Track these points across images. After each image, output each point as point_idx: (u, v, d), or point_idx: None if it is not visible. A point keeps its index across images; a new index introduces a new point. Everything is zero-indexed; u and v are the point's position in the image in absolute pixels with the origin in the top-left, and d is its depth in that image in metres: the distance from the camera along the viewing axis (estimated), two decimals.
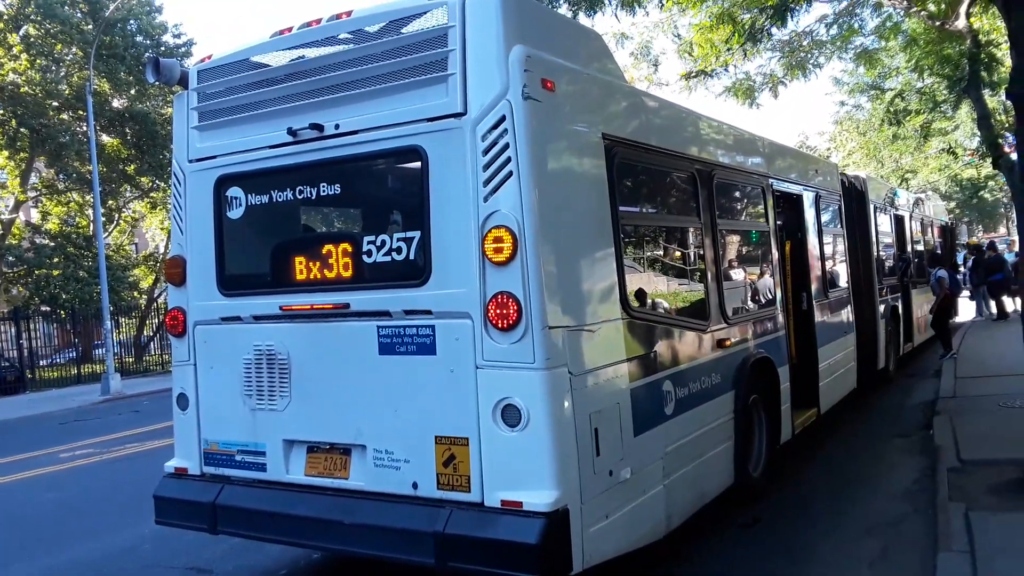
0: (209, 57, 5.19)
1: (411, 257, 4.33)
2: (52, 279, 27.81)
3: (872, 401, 10.40)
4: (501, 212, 3.99)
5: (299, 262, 4.76)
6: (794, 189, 8.13)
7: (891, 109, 19.55)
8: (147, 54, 26.41)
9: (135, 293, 33.95)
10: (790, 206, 8.15)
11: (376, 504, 4.37)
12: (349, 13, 4.61)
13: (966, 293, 21.08)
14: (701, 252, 5.92)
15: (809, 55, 15.05)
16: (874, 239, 10.92)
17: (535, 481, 3.95)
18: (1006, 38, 8.08)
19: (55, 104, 27.73)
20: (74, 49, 27.93)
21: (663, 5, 11.72)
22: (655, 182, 5.76)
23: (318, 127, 4.56)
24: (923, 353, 14.30)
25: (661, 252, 5.77)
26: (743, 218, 7.37)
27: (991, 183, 42.66)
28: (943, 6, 12.98)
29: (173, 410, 5.29)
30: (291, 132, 4.65)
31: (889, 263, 12.07)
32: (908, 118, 19.70)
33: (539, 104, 4.08)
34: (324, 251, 4.68)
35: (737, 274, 6.77)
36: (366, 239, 4.53)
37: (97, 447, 11.88)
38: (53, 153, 27.70)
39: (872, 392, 10.64)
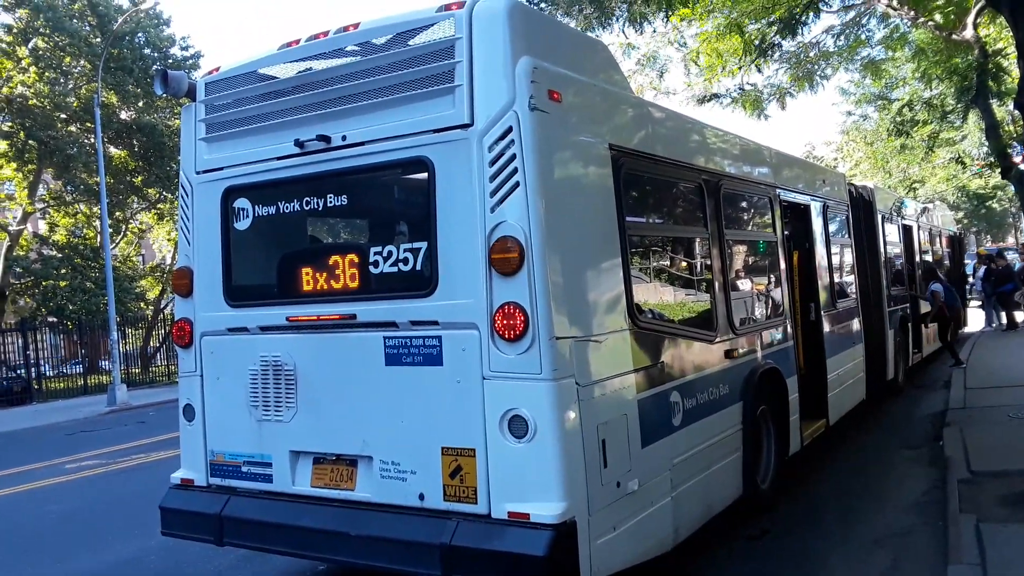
0: (217, 69, 5.21)
1: (418, 268, 4.33)
2: (59, 290, 27.92)
3: (881, 412, 10.34)
4: (508, 223, 3.98)
5: (306, 273, 4.76)
6: (801, 199, 8.11)
7: (898, 119, 19.55)
8: (155, 66, 26.59)
9: (142, 304, 34.08)
10: (797, 216, 8.13)
11: (382, 515, 4.34)
12: (356, 25, 4.62)
13: (976, 303, 20.99)
14: (708, 262, 5.90)
15: (816, 66, 15.06)
16: (882, 249, 10.88)
17: (542, 493, 3.93)
18: (1014, 48, 8.07)
19: (63, 116, 27.90)
20: (82, 62, 28.11)
21: (668, 18, 11.75)
22: (662, 192, 5.75)
23: (325, 139, 4.57)
24: (932, 363, 14.22)
25: (668, 262, 5.75)
26: (750, 228, 7.35)
27: (1000, 193, 42.58)
28: (951, 16, 12.98)
29: (179, 421, 5.29)
30: (298, 144, 4.66)
31: (897, 273, 12.02)
32: (916, 128, 19.69)
33: (546, 115, 4.08)
34: (331, 262, 4.67)
35: (745, 284, 6.75)
36: (373, 250, 4.53)
37: (103, 458, 11.88)
38: (61, 165, 27.85)
39: (881, 403, 10.58)
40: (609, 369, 4.38)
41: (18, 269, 29.41)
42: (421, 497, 4.26)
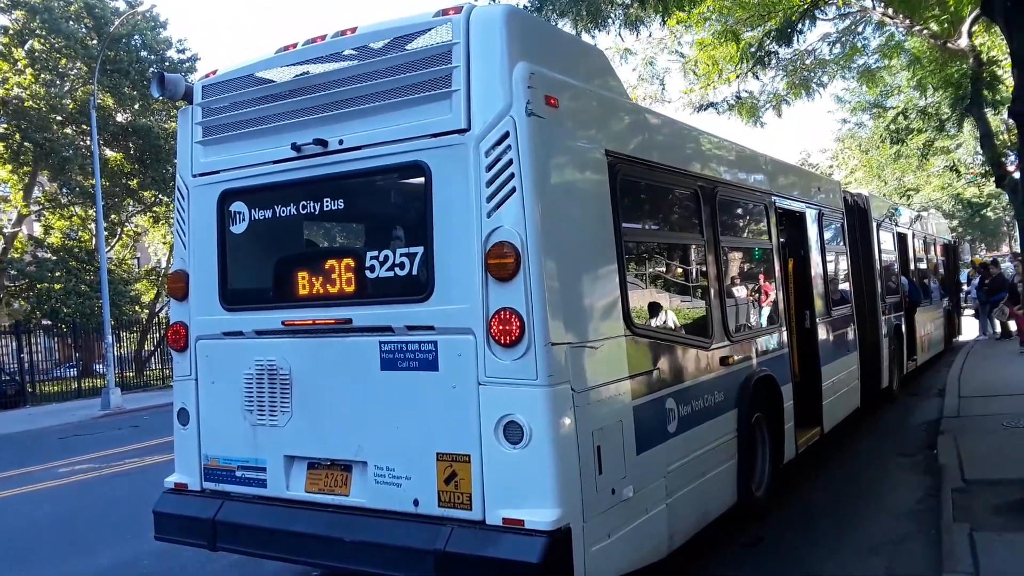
0: (214, 72, 5.20)
1: (414, 273, 4.32)
2: (54, 293, 27.84)
3: (876, 420, 10.35)
4: (504, 228, 3.98)
5: (302, 277, 4.75)
6: (797, 206, 8.12)
7: (892, 127, 19.62)
8: (152, 69, 26.60)
9: (136, 307, 33.97)
10: (793, 223, 8.15)
11: (377, 521, 4.33)
12: (354, 29, 4.62)
13: (970, 311, 21.04)
14: (704, 269, 5.91)
15: (812, 74, 15.12)
16: (877, 257, 10.91)
17: (537, 499, 3.92)
18: (1008, 57, 8.10)
19: (59, 118, 27.85)
20: (78, 64, 28.08)
21: (665, 22, 11.79)
22: (658, 199, 5.76)
23: (322, 142, 4.57)
24: (927, 372, 14.25)
25: (664, 269, 5.76)
26: (746, 235, 7.36)
27: (994, 202, 42.73)
28: (945, 25, 13.04)
29: (174, 425, 5.27)
30: (295, 147, 4.65)
31: (892, 281, 12.05)
32: (910, 137, 19.76)
33: (542, 120, 4.08)
34: (327, 266, 4.67)
35: (740, 291, 6.76)
36: (369, 254, 4.52)
37: (97, 462, 11.83)
38: (56, 167, 27.79)
39: (876, 411, 10.59)
40: (605, 375, 4.38)
41: (12, 271, 29.32)
42: (416, 503, 4.24)
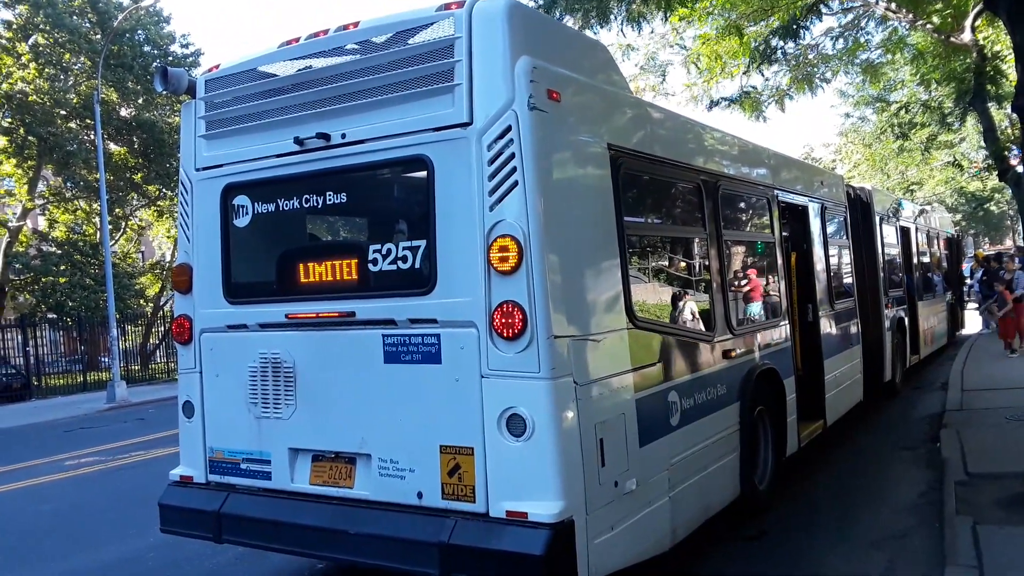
0: (217, 67, 5.21)
1: (416, 266, 4.34)
2: (59, 286, 27.90)
3: (878, 413, 10.36)
4: (507, 221, 3.99)
5: (305, 270, 4.77)
6: (799, 200, 8.12)
7: (895, 122, 19.56)
8: (155, 64, 26.61)
9: (141, 301, 34.03)
10: (795, 217, 8.15)
11: (381, 514, 4.35)
12: (356, 24, 4.63)
13: (973, 305, 20.99)
14: (706, 263, 5.91)
15: (815, 69, 15.07)
16: (880, 251, 10.90)
17: (540, 492, 3.94)
18: (1011, 51, 8.08)
19: (63, 113, 27.88)
20: (82, 58, 28.09)
21: (667, 19, 11.76)
22: (660, 193, 5.76)
23: (325, 136, 4.58)
24: (930, 365, 14.25)
25: (666, 262, 5.77)
26: (748, 229, 7.37)
27: (997, 196, 42.63)
28: (948, 19, 13.00)
29: (179, 418, 5.29)
30: (298, 141, 4.67)
31: (895, 275, 12.04)
32: (914, 131, 19.70)
33: (545, 114, 4.09)
34: (330, 259, 4.69)
35: (742, 285, 6.76)
36: (372, 248, 4.54)
37: (102, 455, 11.89)
38: (61, 161, 27.82)
39: (878, 404, 10.60)
40: (607, 368, 4.39)
41: (18, 265, 29.38)
42: (419, 495, 4.26)
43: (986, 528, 5.36)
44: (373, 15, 4.71)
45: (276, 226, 5.03)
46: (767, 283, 7.25)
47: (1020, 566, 4.80)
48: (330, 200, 4.71)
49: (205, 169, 5.15)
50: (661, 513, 4.80)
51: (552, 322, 3.97)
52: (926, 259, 15.20)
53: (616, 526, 4.30)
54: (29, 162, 28.88)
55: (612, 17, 9.84)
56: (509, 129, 4.00)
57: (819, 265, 8.38)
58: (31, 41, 27.42)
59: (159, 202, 32.48)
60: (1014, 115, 7.09)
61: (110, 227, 25.04)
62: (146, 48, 29.41)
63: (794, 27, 10.77)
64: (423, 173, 4.28)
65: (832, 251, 9.01)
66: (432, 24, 4.27)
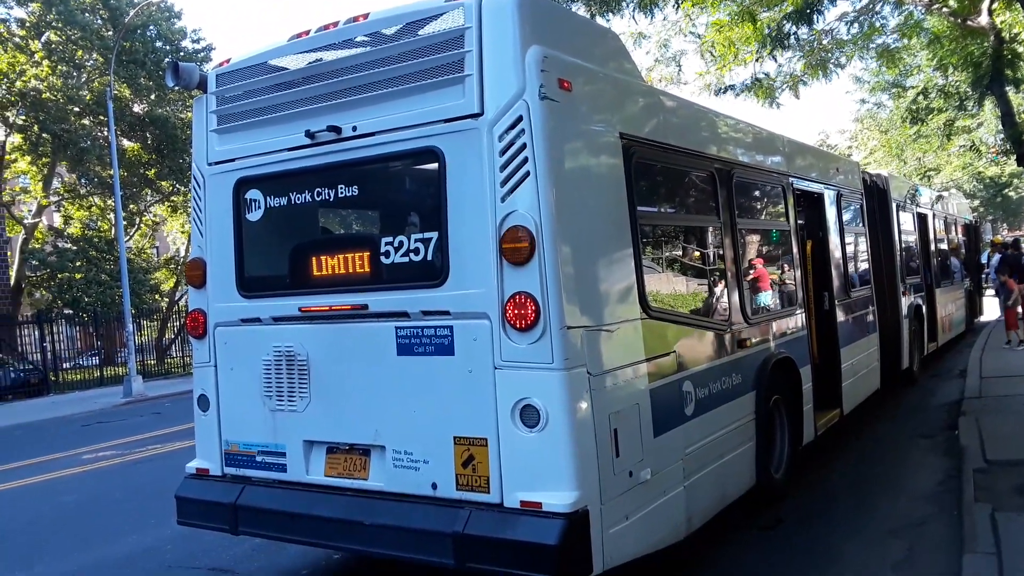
0: (228, 61, 5.22)
1: (429, 258, 4.33)
2: (74, 282, 28.15)
3: (896, 401, 10.29)
4: (519, 212, 3.98)
5: (317, 263, 4.78)
6: (815, 188, 8.06)
7: (912, 107, 19.35)
8: (167, 59, 26.67)
9: (156, 296, 34.31)
10: (811, 205, 8.08)
11: (396, 505, 4.37)
12: (366, 16, 4.61)
13: (991, 291, 20.80)
14: (720, 252, 5.88)
15: (830, 54, 14.92)
16: (896, 238, 10.80)
17: (554, 482, 3.93)
18: None
19: (76, 109, 28.05)
20: (95, 55, 28.25)
21: (679, 5, 11.66)
22: (673, 181, 5.73)
23: (336, 129, 4.57)
24: (948, 352, 14.13)
25: (680, 252, 5.73)
26: (763, 217, 7.32)
27: (1016, 181, 42.17)
28: (965, 2, 12.82)
29: (194, 411, 5.32)
30: (309, 134, 4.66)
31: (912, 262, 11.94)
32: (931, 116, 19.49)
33: (556, 104, 4.06)
34: (342, 252, 4.69)
35: (757, 274, 6.72)
36: (384, 240, 4.53)
37: (119, 449, 12.00)
38: (75, 158, 28.04)
39: (896, 392, 10.53)
40: (621, 358, 4.38)
41: (34, 262, 29.67)
42: (434, 486, 4.27)
43: (1005, 515, 5.32)
44: (383, 7, 4.69)
45: (288, 220, 5.04)
46: (782, 272, 7.20)
47: None
48: (342, 193, 4.71)
49: (217, 164, 5.16)
50: (676, 502, 4.78)
51: (565, 313, 3.96)
52: (944, 246, 15.06)
53: (631, 516, 4.30)
54: (44, 159, 29.12)
55: (623, 4, 9.77)
56: (520, 119, 3.98)
57: (835, 253, 8.32)
58: (44, 38, 27.58)
59: (173, 197, 32.67)
60: None
61: (124, 223, 25.21)
62: (158, 44, 29.55)
63: (808, 11, 10.65)
64: (434, 165, 4.27)
65: (848, 239, 8.94)
66: (442, 15, 4.25)
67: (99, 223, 32.09)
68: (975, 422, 8.09)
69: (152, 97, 29.49)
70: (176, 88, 5.32)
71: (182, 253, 35.49)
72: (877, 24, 14.78)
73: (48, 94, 27.23)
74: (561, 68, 4.15)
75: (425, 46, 4.29)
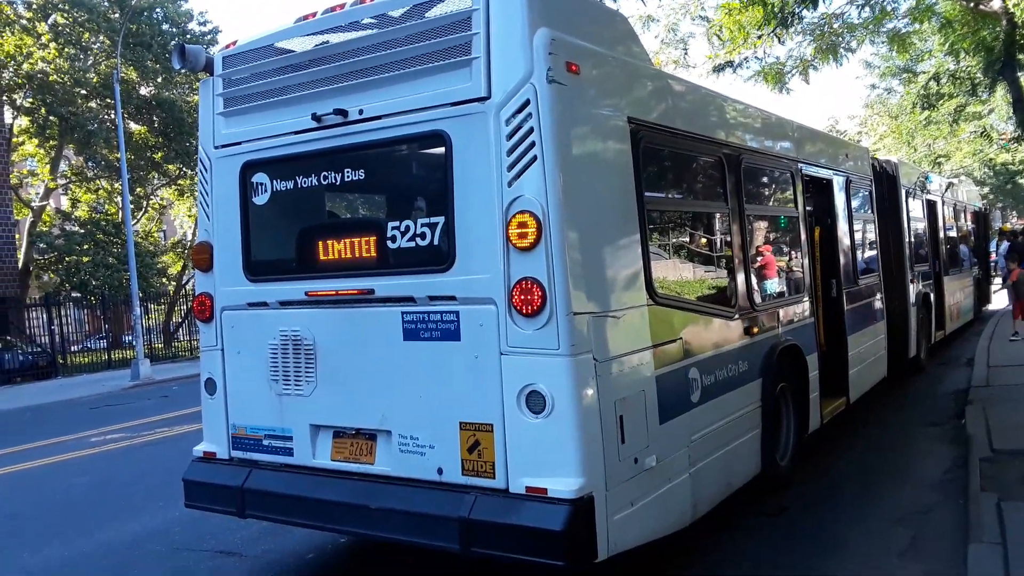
0: (234, 43, 5.19)
1: (435, 243, 4.31)
2: (82, 266, 28.24)
3: (903, 390, 10.26)
4: (525, 197, 3.95)
5: (324, 248, 4.76)
6: (824, 174, 8.00)
7: (923, 93, 19.17)
8: (173, 42, 26.65)
9: (164, 279, 34.42)
10: (819, 191, 8.03)
11: (401, 489, 4.37)
12: None
13: (999, 280, 20.70)
14: (728, 238, 5.85)
15: (840, 39, 14.78)
16: (905, 225, 10.74)
17: (560, 468, 3.93)
18: None
19: (83, 92, 28.06)
20: (101, 37, 28.22)
21: None
22: (681, 167, 5.69)
23: (342, 112, 4.55)
24: (955, 341, 14.08)
25: (687, 238, 5.70)
26: (771, 203, 7.27)
27: None
28: None
29: (201, 395, 5.33)
30: (315, 118, 4.64)
31: (920, 249, 11.88)
32: (942, 102, 19.31)
33: (564, 88, 4.03)
34: (349, 237, 4.68)
35: (765, 260, 6.68)
36: (390, 224, 4.52)
37: (127, 432, 12.06)
38: (82, 141, 28.06)
39: (903, 381, 10.50)
40: (627, 345, 4.36)
41: (41, 245, 29.77)
42: (440, 471, 4.28)
43: (1011, 504, 5.31)
44: None
45: (295, 203, 5.02)
46: (790, 258, 7.17)
47: None
48: (348, 177, 4.69)
49: (224, 147, 5.14)
50: (681, 489, 4.78)
51: (571, 299, 3.94)
52: (953, 233, 14.98)
53: (636, 502, 4.30)
54: (51, 142, 29.16)
55: None
56: (527, 103, 3.95)
57: (843, 240, 8.27)
58: (51, 20, 27.56)
59: (180, 181, 32.74)
60: None
61: (132, 206, 25.24)
62: (164, 26, 29.50)
63: None
64: (441, 149, 4.24)
65: (857, 225, 8.89)
66: None
67: (106, 206, 32.17)
68: (982, 411, 8.07)
69: (159, 80, 29.48)
70: (183, 71, 5.29)
71: (189, 237, 35.54)
72: (888, 8, 14.64)
73: (55, 76, 27.24)
74: (569, 51, 4.11)
75: (432, 28, 4.25)
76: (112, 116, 26.01)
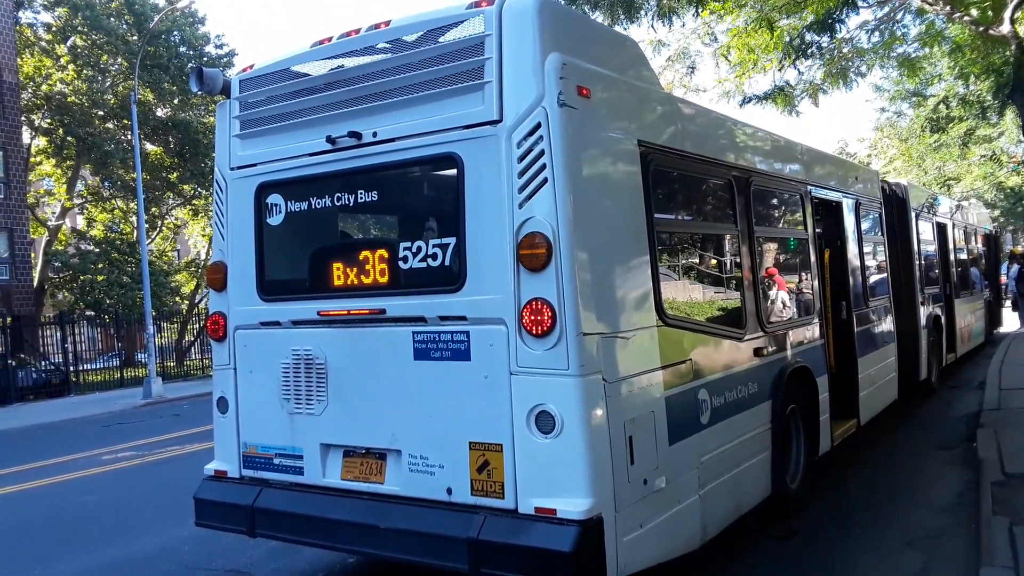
0: (251, 67, 5.28)
1: (446, 263, 4.36)
2: (96, 284, 28.49)
3: (914, 412, 10.21)
4: (536, 219, 4.00)
5: (337, 268, 4.82)
6: (833, 196, 8.03)
7: (933, 116, 19.19)
8: (190, 64, 27.01)
9: (177, 298, 34.61)
10: (829, 213, 8.05)
11: (411, 509, 4.39)
12: (388, 23, 4.66)
13: (1009, 303, 20.59)
14: (738, 260, 5.87)
15: (850, 63, 14.84)
16: (915, 247, 10.74)
17: (569, 489, 3.94)
18: None
19: (101, 113, 28.43)
20: (119, 60, 28.61)
21: (699, 14, 11.65)
22: (691, 189, 5.73)
23: (356, 135, 4.62)
24: (967, 364, 14.00)
25: (697, 259, 5.74)
26: (781, 226, 7.30)
27: None
28: (987, 12, 12.73)
29: (213, 413, 5.37)
30: (330, 140, 4.71)
31: (931, 272, 11.85)
32: (951, 125, 19.33)
33: (574, 111, 4.09)
34: (361, 257, 4.73)
35: (775, 282, 6.70)
36: (402, 245, 4.57)
37: (138, 450, 12.11)
38: (99, 161, 28.38)
39: (914, 403, 10.45)
40: (636, 366, 4.39)
41: (57, 263, 30.05)
42: (449, 491, 4.29)
43: (1022, 528, 5.27)
44: (405, 14, 4.73)
45: (309, 224, 5.09)
46: (800, 280, 7.18)
47: None
48: (361, 198, 4.75)
49: (239, 168, 5.22)
50: (691, 511, 4.78)
51: (581, 319, 3.97)
52: (963, 256, 14.93)
53: (645, 524, 4.30)
54: (68, 162, 29.49)
55: (642, 12, 9.77)
56: (539, 126, 4.01)
57: (853, 262, 8.28)
58: (70, 43, 27.98)
59: (194, 201, 33.01)
60: None
61: (146, 226, 25.48)
62: (181, 49, 29.90)
63: (829, 21, 10.61)
64: (453, 171, 4.30)
65: (867, 248, 8.89)
66: (462, 22, 4.29)
67: (121, 226, 32.45)
68: (994, 434, 8.02)
69: (175, 101, 29.85)
70: (200, 93, 5.39)
71: (203, 256, 35.78)
72: (898, 33, 14.70)
73: (73, 98, 27.62)
74: (580, 75, 4.18)
75: (445, 53, 4.33)
76: (129, 137, 26.33)
